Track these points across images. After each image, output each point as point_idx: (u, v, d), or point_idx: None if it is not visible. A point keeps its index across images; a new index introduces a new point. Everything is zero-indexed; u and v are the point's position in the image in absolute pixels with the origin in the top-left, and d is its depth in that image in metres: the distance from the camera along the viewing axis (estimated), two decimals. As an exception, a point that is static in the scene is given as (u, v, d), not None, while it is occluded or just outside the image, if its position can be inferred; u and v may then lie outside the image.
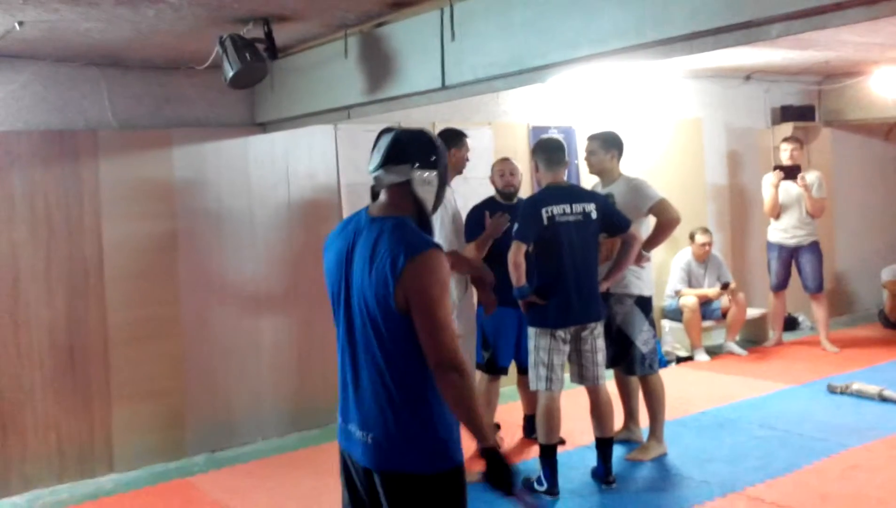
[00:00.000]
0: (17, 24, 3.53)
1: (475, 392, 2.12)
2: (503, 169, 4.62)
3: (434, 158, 2.22)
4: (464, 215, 4.48)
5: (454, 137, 4.32)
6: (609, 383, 4.17)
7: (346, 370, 2.23)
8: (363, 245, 2.16)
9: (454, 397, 2.06)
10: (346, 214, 5.27)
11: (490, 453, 2.10)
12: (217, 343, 4.98)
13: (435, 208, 2.27)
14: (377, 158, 2.22)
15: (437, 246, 2.11)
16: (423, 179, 2.19)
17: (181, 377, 4.86)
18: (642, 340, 4.36)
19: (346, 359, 2.23)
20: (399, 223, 2.15)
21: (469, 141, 4.44)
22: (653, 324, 4.45)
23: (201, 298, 4.92)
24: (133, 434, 4.69)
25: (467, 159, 4.42)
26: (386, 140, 2.22)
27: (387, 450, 2.12)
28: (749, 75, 7.20)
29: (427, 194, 2.21)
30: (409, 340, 2.07)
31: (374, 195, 2.27)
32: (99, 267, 4.59)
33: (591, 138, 4.52)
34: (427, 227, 2.20)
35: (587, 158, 4.52)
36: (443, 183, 2.26)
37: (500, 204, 4.57)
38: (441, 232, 4.02)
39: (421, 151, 2.20)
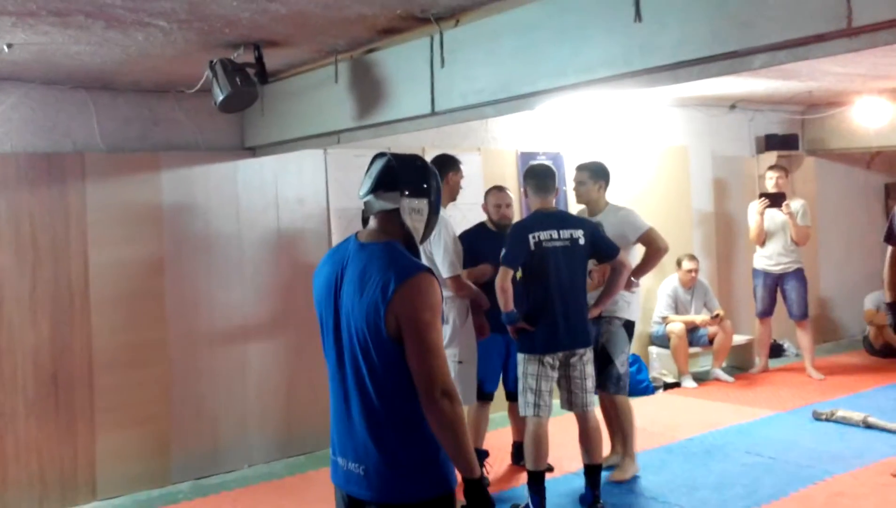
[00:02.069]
0: (5, 47, 3.53)
1: (465, 421, 2.08)
2: (500, 201, 4.62)
3: (426, 185, 2.19)
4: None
5: (450, 163, 4.35)
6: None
7: (337, 400, 2.19)
8: (352, 271, 2.13)
9: (443, 424, 2.01)
10: (335, 238, 5.27)
11: (473, 485, 2.06)
12: (203, 369, 4.94)
13: (426, 236, 2.24)
14: (368, 182, 2.19)
15: (428, 269, 2.08)
16: (413, 208, 2.16)
17: (167, 403, 4.81)
18: (621, 360, 4.43)
19: (336, 389, 2.19)
20: (388, 247, 2.12)
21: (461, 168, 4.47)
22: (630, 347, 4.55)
23: (188, 323, 4.88)
24: (117, 461, 4.62)
25: (461, 187, 4.45)
26: (378, 165, 2.20)
27: (381, 481, 2.08)
28: (734, 104, 7.30)
29: (416, 223, 2.18)
30: (401, 366, 2.03)
31: (364, 221, 2.25)
32: (85, 291, 4.55)
33: (581, 169, 4.57)
34: (416, 255, 2.17)
35: (576, 188, 4.58)
36: (434, 211, 2.23)
37: (491, 231, 4.59)
38: (445, 257, 4.03)
39: (412, 179, 2.17)
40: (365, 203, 2.21)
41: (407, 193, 2.16)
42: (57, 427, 4.47)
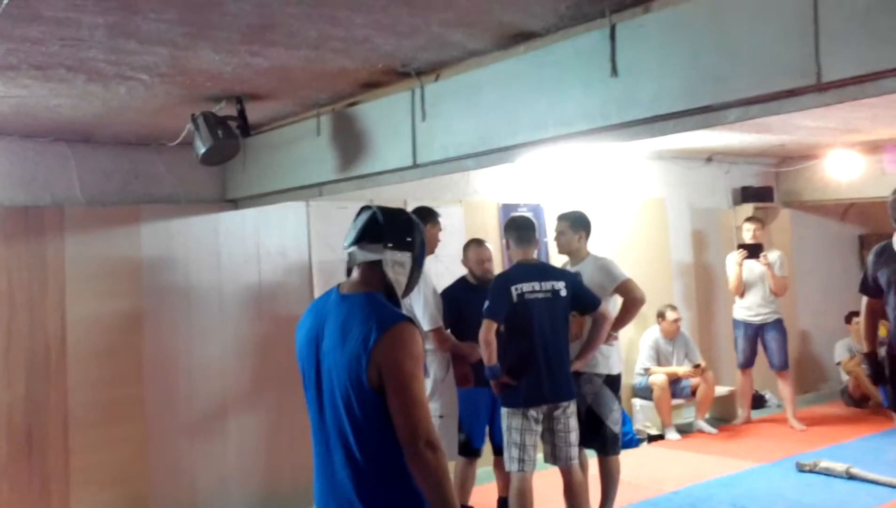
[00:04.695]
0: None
1: (448, 472, 2.05)
2: (481, 256, 4.58)
3: (409, 239, 2.20)
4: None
5: (429, 215, 4.35)
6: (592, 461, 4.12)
7: (319, 454, 2.16)
8: (334, 323, 2.12)
9: (427, 476, 1.99)
10: (317, 291, 5.24)
11: None
12: (182, 426, 4.83)
13: (408, 290, 2.24)
14: (352, 234, 2.21)
15: (409, 319, 2.08)
16: (395, 260, 2.17)
17: (144, 463, 4.69)
18: (613, 419, 4.34)
19: (319, 443, 2.16)
20: (369, 298, 2.12)
21: (441, 220, 4.47)
22: (620, 402, 4.44)
23: (166, 379, 4.79)
24: (90, 522, 4.49)
25: (439, 240, 4.45)
26: (364, 217, 2.22)
27: None
28: (710, 157, 7.43)
29: (399, 276, 2.18)
30: (383, 418, 2.01)
31: (348, 272, 2.26)
32: (61, 346, 4.47)
33: (561, 218, 4.57)
34: (397, 306, 2.16)
35: (556, 238, 4.58)
36: (417, 266, 2.23)
37: (472, 286, 4.57)
38: (426, 311, 4.01)
39: (396, 232, 2.19)
40: (348, 254, 2.22)
41: (390, 245, 2.16)
42: (30, 488, 4.34)
